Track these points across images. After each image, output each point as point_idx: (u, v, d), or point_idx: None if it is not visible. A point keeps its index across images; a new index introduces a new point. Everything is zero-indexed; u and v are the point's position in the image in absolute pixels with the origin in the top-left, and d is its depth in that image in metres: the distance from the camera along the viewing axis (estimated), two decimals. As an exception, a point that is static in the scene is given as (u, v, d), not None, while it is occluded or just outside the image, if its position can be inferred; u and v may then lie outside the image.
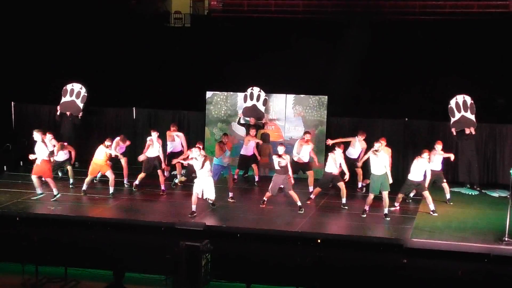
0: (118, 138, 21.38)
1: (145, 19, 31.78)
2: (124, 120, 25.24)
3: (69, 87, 24.33)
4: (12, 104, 25.39)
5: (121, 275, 12.66)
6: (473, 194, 21.45)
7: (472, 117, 21.76)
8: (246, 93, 23.41)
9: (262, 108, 23.21)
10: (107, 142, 20.50)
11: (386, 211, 18.36)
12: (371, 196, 18.55)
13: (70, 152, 21.86)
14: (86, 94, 24.27)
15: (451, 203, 19.99)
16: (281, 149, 18.94)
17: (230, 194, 20.06)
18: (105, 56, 27.99)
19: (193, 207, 18.43)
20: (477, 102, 23.82)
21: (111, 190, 20.34)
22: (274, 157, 18.96)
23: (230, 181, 20.14)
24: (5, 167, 23.61)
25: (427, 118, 23.21)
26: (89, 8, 29.51)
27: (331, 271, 15.71)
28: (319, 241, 16.80)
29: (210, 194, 18.61)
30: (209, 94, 24.18)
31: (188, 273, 15.17)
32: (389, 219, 18.19)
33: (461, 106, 21.84)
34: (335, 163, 19.27)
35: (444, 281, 15.29)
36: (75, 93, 24.25)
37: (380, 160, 18.28)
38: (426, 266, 15.83)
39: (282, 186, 19.15)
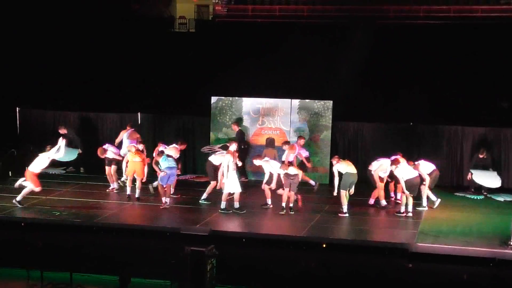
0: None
1: (150, 24, 31.84)
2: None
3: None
4: (17, 110, 25.42)
5: (127, 280, 12.72)
6: (478, 198, 21.39)
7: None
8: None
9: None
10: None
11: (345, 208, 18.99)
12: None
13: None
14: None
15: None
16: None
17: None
18: (109, 61, 28.03)
19: (224, 204, 19.20)
20: (482, 105, 23.90)
21: (137, 193, 20.62)
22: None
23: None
24: (10, 172, 23.63)
25: (432, 122, 23.17)
26: (93, 14, 29.58)
27: (336, 275, 15.71)
28: (324, 245, 16.81)
29: (236, 188, 19.06)
30: (214, 99, 24.18)
31: (193, 278, 15.17)
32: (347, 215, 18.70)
33: None
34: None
35: (450, 286, 15.28)
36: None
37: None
38: (431, 270, 15.82)
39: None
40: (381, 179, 19.64)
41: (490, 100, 24.56)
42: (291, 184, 18.96)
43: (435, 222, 18.42)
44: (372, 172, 19.67)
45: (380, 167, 19.58)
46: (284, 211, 19.10)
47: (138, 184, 20.57)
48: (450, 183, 22.59)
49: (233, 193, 19.22)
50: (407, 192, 18.85)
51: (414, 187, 18.93)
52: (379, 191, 19.77)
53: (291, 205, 19.14)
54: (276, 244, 17.06)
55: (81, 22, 29.14)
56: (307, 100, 23.52)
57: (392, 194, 20.57)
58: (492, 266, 15.66)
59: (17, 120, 25.40)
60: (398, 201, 19.87)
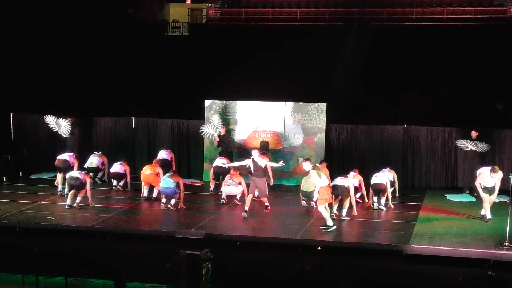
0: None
1: (144, 28, 31.85)
2: (123, 129, 25.19)
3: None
4: (11, 115, 25.37)
5: (122, 284, 12.67)
6: (472, 200, 21.34)
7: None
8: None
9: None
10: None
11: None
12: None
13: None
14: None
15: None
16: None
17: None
18: (103, 65, 28.03)
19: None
20: (476, 107, 23.90)
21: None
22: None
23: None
24: (4, 178, 23.60)
25: (426, 124, 23.19)
26: (87, 18, 29.59)
27: (331, 278, 15.69)
28: (319, 248, 16.81)
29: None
30: (207, 102, 24.16)
31: (189, 282, 15.15)
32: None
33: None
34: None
35: (445, 287, 15.28)
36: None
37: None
38: (426, 272, 15.82)
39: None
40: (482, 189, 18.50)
41: (484, 101, 24.58)
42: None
43: (430, 224, 18.43)
44: (475, 183, 18.76)
45: (479, 176, 18.52)
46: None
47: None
48: (445, 185, 22.63)
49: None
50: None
51: (377, 191, 19.90)
52: (484, 204, 18.70)
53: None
54: (271, 247, 17.06)
55: (74, 27, 29.14)
56: (301, 103, 23.51)
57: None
58: (487, 267, 15.67)
59: (11, 125, 25.34)
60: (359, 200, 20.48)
